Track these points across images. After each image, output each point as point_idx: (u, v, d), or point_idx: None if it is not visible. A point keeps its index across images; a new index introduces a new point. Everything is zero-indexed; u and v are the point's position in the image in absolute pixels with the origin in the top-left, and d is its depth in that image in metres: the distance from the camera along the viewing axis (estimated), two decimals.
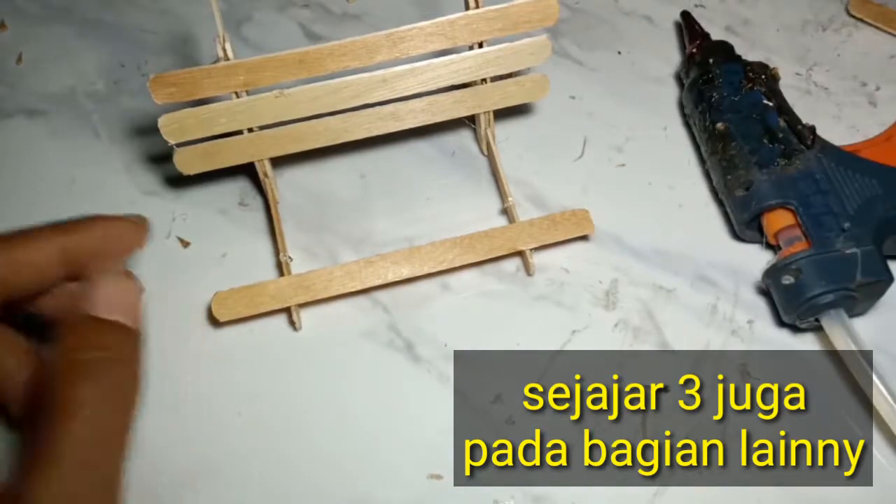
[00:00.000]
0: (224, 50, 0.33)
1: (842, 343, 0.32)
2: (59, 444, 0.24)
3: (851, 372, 0.32)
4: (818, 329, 0.33)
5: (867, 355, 0.31)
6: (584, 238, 0.37)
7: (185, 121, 0.33)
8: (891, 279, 0.32)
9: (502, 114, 0.39)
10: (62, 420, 0.24)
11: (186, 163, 0.35)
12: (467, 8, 0.35)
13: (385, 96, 0.35)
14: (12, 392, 0.28)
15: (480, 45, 0.35)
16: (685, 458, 0.32)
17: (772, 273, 0.33)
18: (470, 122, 0.39)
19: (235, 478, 0.31)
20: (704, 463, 0.31)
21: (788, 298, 0.33)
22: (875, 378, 0.31)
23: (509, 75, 0.37)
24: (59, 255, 0.28)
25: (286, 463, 0.32)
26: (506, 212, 0.37)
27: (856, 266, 0.32)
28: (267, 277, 0.35)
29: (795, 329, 0.34)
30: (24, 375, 0.28)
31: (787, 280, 0.33)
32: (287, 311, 0.35)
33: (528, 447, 0.32)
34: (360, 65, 0.34)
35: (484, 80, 0.36)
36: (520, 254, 0.36)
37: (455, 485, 0.31)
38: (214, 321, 0.34)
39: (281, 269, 0.35)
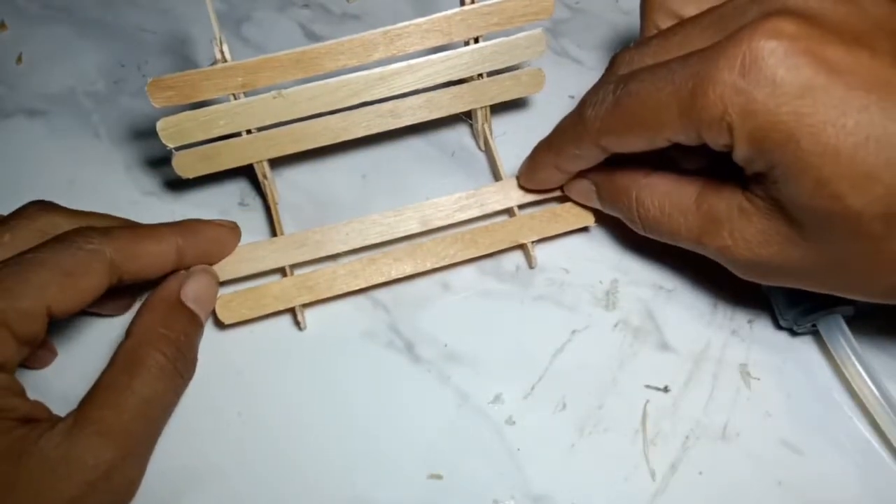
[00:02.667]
0: (222, 52, 0.33)
1: (838, 349, 0.32)
2: (122, 392, 0.28)
3: (848, 378, 0.32)
4: (816, 332, 0.33)
5: (864, 361, 0.31)
6: (584, 237, 0.37)
7: (184, 124, 0.33)
8: None
9: (500, 112, 0.39)
10: (132, 373, 0.29)
11: (186, 166, 0.35)
12: (462, 4, 0.35)
13: (383, 94, 0.35)
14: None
15: (476, 41, 0.35)
16: (685, 458, 0.32)
17: None
18: (467, 117, 0.39)
19: (235, 478, 0.32)
20: (705, 463, 0.32)
21: (786, 304, 0.33)
22: (871, 385, 0.31)
23: (506, 70, 0.37)
24: (175, 253, 0.32)
25: (286, 463, 0.32)
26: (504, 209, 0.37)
27: None
28: (268, 278, 0.35)
29: None
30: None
31: None
32: (287, 311, 0.35)
33: (528, 447, 0.32)
34: (358, 63, 0.34)
35: (481, 76, 0.36)
36: (521, 247, 0.36)
37: (455, 485, 0.31)
38: (215, 322, 0.34)
39: (283, 270, 0.35)
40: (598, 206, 0.35)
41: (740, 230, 0.28)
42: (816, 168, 0.24)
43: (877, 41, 0.25)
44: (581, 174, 0.34)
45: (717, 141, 0.26)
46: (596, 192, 0.34)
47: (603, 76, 0.33)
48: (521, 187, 0.36)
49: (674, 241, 0.32)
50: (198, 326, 0.32)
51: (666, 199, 0.31)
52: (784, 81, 0.24)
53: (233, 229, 0.35)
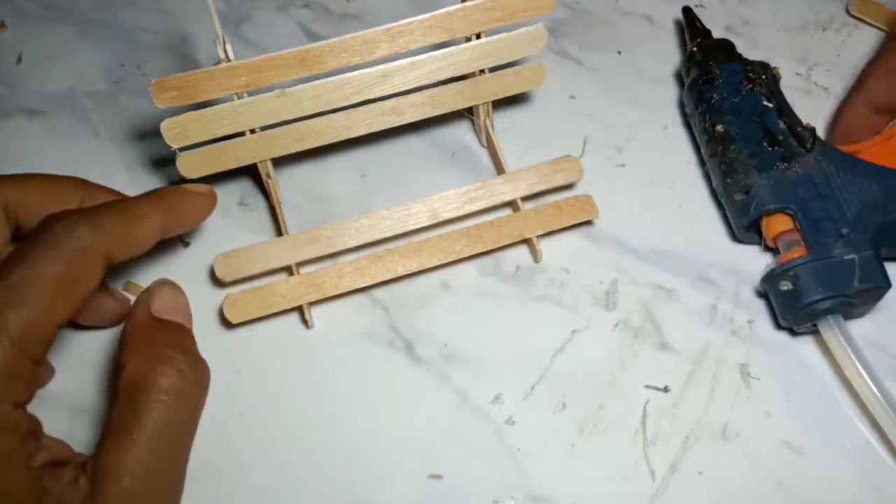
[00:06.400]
0: (225, 51, 0.33)
1: (839, 349, 0.32)
2: (130, 430, 0.26)
3: (848, 378, 0.32)
4: (816, 332, 0.33)
5: (864, 361, 0.31)
6: (584, 237, 0.37)
7: (188, 124, 0.33)
8: (888, 285, 0.32)
9: (501, 109, 0.40)
10: (135, 408, 0.27)
11: (190, 167, 0.34)
12: (464, 0, 0.35)
13: (385, 91, 0.35)
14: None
15: (478, 37, 0.35)
16: (685, 458, 0.32)
17: (770, 279, 0.33)
18: (469, 113, 0.39)
19: (235, 477, 0.32)
20: (705, 463, 0.32)
21: (786, 304, 0.33)
22: (871, 385, 0.31)
23: (507, 66, 0.37)
24: (160, 231, 0.31)
25: (286, 463, 0.32)
26: (509, 203, 0.37)
27: (853, 272, 0.32)
28: (273, 277, 0.35)
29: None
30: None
31: (785, 286, 0.33)
32: (286, 312, 0.35)
33: (528, 447, 0.32)
34: (361, 60, 0.34)
35: (482, 72, 0.37)
36: (527, 242, 0.36)
37: (455, 485, 0.31)
38: (215, 322, 0.34)
39: (290, 269, 0.35)
40: None
41: None
42: None
43: None
44: None
45: None
46: None
47: None
48: None
49: None
50: (185, 334, 0.30)
51: None
52: None
53: (210, 196, 0.34)
